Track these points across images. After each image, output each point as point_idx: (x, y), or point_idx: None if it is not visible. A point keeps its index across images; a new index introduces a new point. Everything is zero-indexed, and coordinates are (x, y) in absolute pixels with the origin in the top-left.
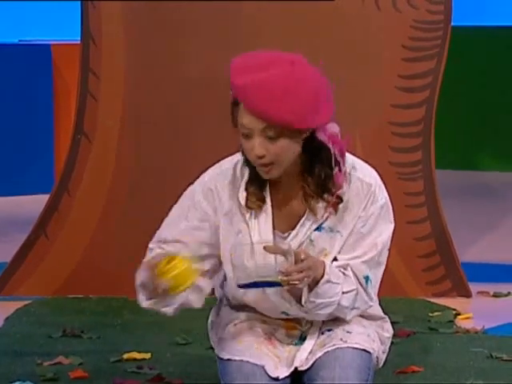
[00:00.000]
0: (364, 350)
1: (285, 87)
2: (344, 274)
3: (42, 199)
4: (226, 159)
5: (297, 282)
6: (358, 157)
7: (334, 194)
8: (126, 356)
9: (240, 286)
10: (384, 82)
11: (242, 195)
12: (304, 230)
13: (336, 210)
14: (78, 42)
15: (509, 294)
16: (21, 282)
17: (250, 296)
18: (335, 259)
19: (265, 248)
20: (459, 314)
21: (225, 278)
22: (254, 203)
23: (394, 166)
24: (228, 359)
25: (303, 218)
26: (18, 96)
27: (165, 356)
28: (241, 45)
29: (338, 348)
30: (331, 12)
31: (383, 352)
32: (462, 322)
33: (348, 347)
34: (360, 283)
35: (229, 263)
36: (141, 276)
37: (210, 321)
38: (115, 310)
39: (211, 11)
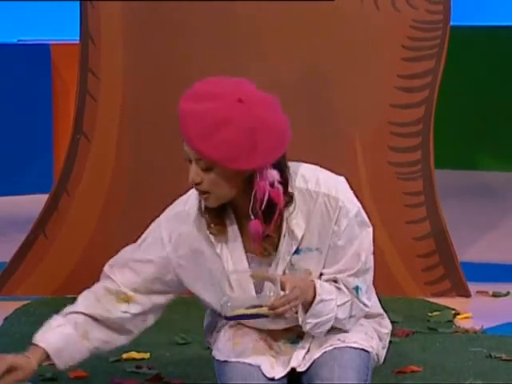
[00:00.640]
0: (362, 350)
1: (217, 124)
2: (337, 287)
3: (41, 199)
4: (191, 193)
5: (282, 313)
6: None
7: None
8: (125, 356)
9: (227, 318)
10: (383, 82)
11: (208, 231)
12: (282, 255)
13: (310, 231)
14: (77, 42)
15: (508, 293)
16: (20, 282)
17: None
18: (321, 274)
19: (252, 276)
20: (458, 314)
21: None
22: (214, 229)
23: (393, 165)
24: (224, 361)
25: (281, 242)
26: (17, 96)
27: (164, 356)
28: (241, 45)
29: (335, 348)
30: (330, 12)
31: (383, 348)
32: (461, 322)
33: (346, 347)
34: (352, 294)
35: (206, 293)
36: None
37: (205, 323)
38: None
39: (211, 11)
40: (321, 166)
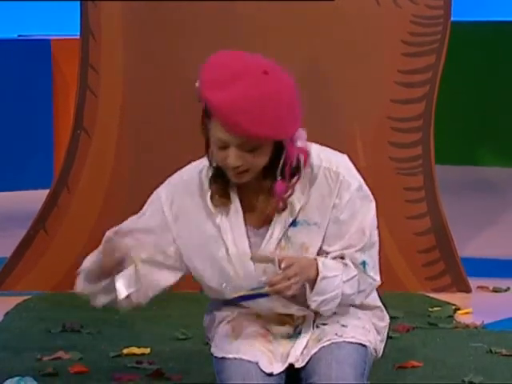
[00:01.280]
0: (360, 344)
1: (260, 101)
2: (343, 263)
3: (42, 194)
4: (191, 166)
5: (284, 291)
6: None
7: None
8: (125, 351)
9: (228, 300)
10: (384, 77)
11: (209, 202)
12: (278, 227)
13: (281, 210)
14: (78, 38)
15: (508, 289)
16: (20, 278)
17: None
18: (322, 252)
19: (251, 258)
20: (459, 309)
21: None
22: (218, 200)
23: (394, 161)
24: (222, 357)
25: (276, 214)
26: (18, 91)
27: (164, 351)
28: (241, 45)
29: (333, 343)
30: (331, 9)
31: (381, 341)
32: (462, 317)
33: (344, 341)
34: (359, 269)
35: (206, 271)
36: (91, 261)
37: (204, 319)
38: None
39: (210, 11)
40: None
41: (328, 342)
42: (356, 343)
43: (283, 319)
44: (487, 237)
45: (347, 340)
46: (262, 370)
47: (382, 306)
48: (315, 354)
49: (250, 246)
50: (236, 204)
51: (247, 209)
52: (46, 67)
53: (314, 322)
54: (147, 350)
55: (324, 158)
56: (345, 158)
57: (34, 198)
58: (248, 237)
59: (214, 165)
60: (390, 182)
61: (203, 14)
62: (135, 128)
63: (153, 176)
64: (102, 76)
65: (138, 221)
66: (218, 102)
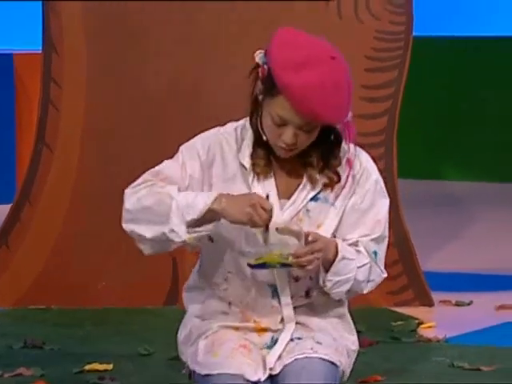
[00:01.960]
0: (332, 363)
1: (332, 87)
2: (356, 249)
3: (4, 209)
4: (226, 125)
5: (306, 264)
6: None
7: (334, 173)
8: (87, 367)
9: (251, 266)
10: None
11: (246, 159)
12: (301, 197)
13: (332, 188)
14: (40, 52)
15: (471, 302)
16: None
17: (234, 269)
18: (334, 236)
19: (277, 230)
20: (422, 323)
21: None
22: (262, 168)
23: None
24: (207, 374)
25: (301, 185)
26: None
27: (127, 367)
28: (205, 54)
29: (306, 357)
30: (293, 22)
31: (349, 366)
32: (425, 331)
33: (317, 357)
34: (370, 258)
35: (230, 232)
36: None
37: (180, 337)
38: (77, 321)
39: (175, 21)
40: None
41: (302, 356)
42: (328, 361)
43: (261, 328)
44: (450, 251)
45: (320, 356)
46: (248, 380)
47: (355, 331)
48: (288, 364)
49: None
50: (270, 168)
51: (277, 177)
52: (9, 82)
53: (291, 334)
54: (110, 366)
55: (349, 146)
56: (366, 153)
57: None
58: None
59: (264, 138)
60: None
61: (167, 25)
62: (98, 142)
63: (115, 190)
64: (64, 90)
65: (174, 166)
66: (292, 85)
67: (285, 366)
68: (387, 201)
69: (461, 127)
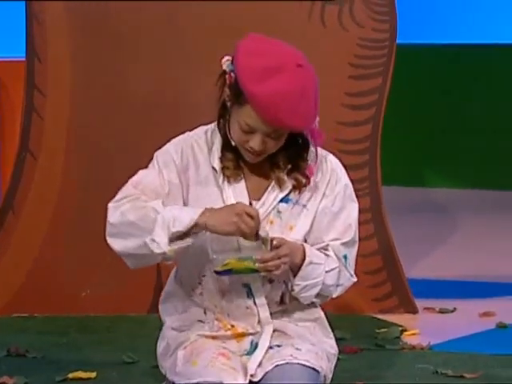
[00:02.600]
0: (313, 369)
1: (298, 96)
2: (325, 254)
3: None
4: (196, 128)
5: (273, 269)
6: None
7: (303, 175)
8: (71, 375)
9: (216, 273)
10: (330, 100)
11: (216, 162)
12: (270, 198)
13: (300, 190)
14: (24, 59)
15: (455, 310)
16: None
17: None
18: (306, 236)
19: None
20: (406, 331)
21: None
22: (231, 171)
23: None
24: None
25: (270, 187)
26: None
27: (111, 375)
28: (189, 63)
29: (287, 363)
30: (277, 29)
31: (330, 370)
32: (409, 339)
33: (298, 363)
34: (340, 262)
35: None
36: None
37: (159, 349)
38: (60, 329)
39: (157, 30)
40: None
41: (282, 362)
42: (309, 367)
43: (239, 333)
44: (434, 258)
45: (301, 363)
46: None
47: (332, 334)
48: (269, 371)
49: None
50: (239, 170)
51: (247, 178)
52: None
53: (269, 341)
54: (93, 375)
55: (320, 149)
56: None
57: None
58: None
59: (233, 143)
60: None
61: (150, 34)
62: (82, 150)
63: (100, 198)
64: (48, 98)
65: (152, 175)
66: (258, 95)
67: (266, 372)
68: (356, 205)
69: (444, 135)
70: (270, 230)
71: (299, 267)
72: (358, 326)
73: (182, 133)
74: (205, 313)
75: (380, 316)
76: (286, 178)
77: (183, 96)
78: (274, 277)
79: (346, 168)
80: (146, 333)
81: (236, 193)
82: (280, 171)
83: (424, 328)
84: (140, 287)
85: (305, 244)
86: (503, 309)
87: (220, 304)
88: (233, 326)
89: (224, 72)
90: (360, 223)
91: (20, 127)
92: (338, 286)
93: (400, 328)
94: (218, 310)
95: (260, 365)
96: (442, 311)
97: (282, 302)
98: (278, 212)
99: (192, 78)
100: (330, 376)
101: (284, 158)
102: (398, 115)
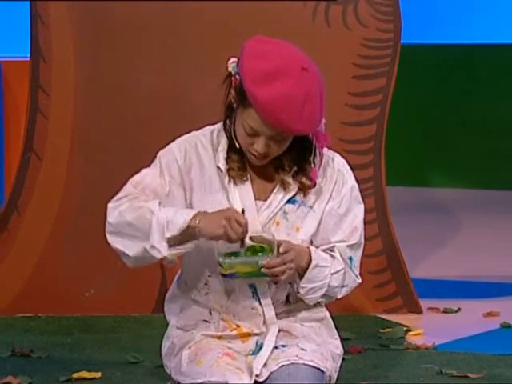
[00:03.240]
0: (318, 369)
1: (302, 100)
2: (331, 255)
3: None
4: (203, 128)
5: (278, 274)
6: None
7: (308, 178)
8: (75, 375)
9: (224, 276)
10: (334, 100)
11: (222, 162)
12: (277, 199)
13: (305, 191)
14: (28, 59)
15: (459, 310)
16: None
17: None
18: (313, 237)
19: (251, 238)
20: (410, 331)
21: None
22: (236, 173)
23: None
24: None
25: (276, 188)
26: None
27: (115, 375)
28: (189, 62)
29: (292, 363)
30: (280, 28)
31: (335, 371)
32: (413, 339)
33: (303, 364)
34: (346, 263)
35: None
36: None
37: (163, 349)
38: (65, 329)
39: (161, 30)
40: None
41: (288, 362)
42: (314, 367)
43: (244, 333)
44: (438, 258)
45: (306, 363)
46: None
47: (337, 335)
48: (274, 371)
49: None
50: (247, 176)
51: (253, 179)
52: None
53: (275, 340)
54: (98, 375)
55: (326, 150)
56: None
57: None
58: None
59: (237, 145)
60: None
61: (153, 34)
62: (86, 150)
63: (104, 198)
64: (52, 98)
65: (154, 175)
66: (262, 99)
67: (271, 372)
68: (362, 206)
69: (448, 135)
70: (276, 231)
71: (305, 270)
72: (362, 325)
73: (188, 132)
74: (210, 313)
75: (384, 316)
76: (291, 180)
77: (187, 96)
78: (279, 281)
79: (351, 168)
80: (151, 333)
81: (242, 193)
82: (285, 173)
83: (428, 328)
84: (144, 287)
85: (311, 247)
86: (508, 309)
87: (226, 304)
88: (238, 326)
89: (230, 74)
90: (364, 223)
91: (24, 127)
92: (343, 287)
93: (404, 328)
94: (224, 310)
95: (265, 365)
96: (446, 311)
97: (287, 301)
98: (285, 213)
99: (196, 77)
100: (335, 376)
101: (289, 161)
102: (402, 115)
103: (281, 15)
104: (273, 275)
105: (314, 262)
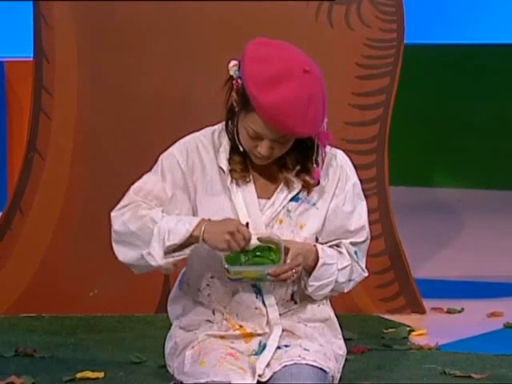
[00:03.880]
0: (321, 369)
1: (305, 102)
2: (338, 251)
3: None
4: (203, 129)
5: (284, 280)
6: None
7: (311, 176)
8: (79, 375)
9: (230, 280)
10: (337, 100)
11: (224, 162)
12: (280, 198)
13: (309, 190)
14: (32, 59)
15: (462, 310)
16: None
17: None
18: (316, 239)
19: (258, 239)
20: (413, 331)
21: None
22: (239, 174)
23: None
24: None
25: (279, 187)
26: None
27: (118, 375)
28: (192, 62)
29: (295, 364)
30: (283, 29)
31: (338, 371)
32: (416, 339)
33: (306, 364)
34: (352, 258)
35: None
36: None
37: (166, 349)
38: (68, 329)
39: (165, 30)
40: None
41: (291, 362)
42: (317, 367)
43: (247, 333)
44: (441, 258)
45: (309, 363)
46: None
47: (341, 335)
48: (277, 371)
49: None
50: (250, 176)
51: (255, 179)
52: (0, 89)
53: (278, 340)
54: (101, 375)
55: (329, 148)
56: (346, 156)
57: None
58: (260, 209)
59: (241, 148)
60: None
61: (157, 34)
62: (89, 150)
63: (107, 198)
64: (55, 98)
65: (155, 180)
66: (265, 103)
67: (274, 373)
68: (364, 202)
69: (451, 135)
70: (280, 229)
71: (313, 268)
72: (365, 326)
73: (190, 133)
74: (213, 313)
75: (387, 316)
76: (294, 178)
77: (191, 97)
78: (284, 283)
79: (354, 166)
80: (154, 333)
81: (245, 193)
82: (288, 172)
83: (432, 328)
84: (147, 287)
85: (318, 245)
86: (511, 309)
87: (229, 305)
88: (241, 326)
89: (231, 77)
90: (368, 221)
91: (28, 127)
92: (350, 281)
93: (407, 328)
94: (227, 310)
95: (268, 365)
96: (449, 311)
97: (292, 299)
98: (288, 211)
99: (201, 78)
100: (338, 376)
101: (292, 160)
102: (405, 115)
103: (284, 15)
104: (279, 281)
105: (321, 261)
